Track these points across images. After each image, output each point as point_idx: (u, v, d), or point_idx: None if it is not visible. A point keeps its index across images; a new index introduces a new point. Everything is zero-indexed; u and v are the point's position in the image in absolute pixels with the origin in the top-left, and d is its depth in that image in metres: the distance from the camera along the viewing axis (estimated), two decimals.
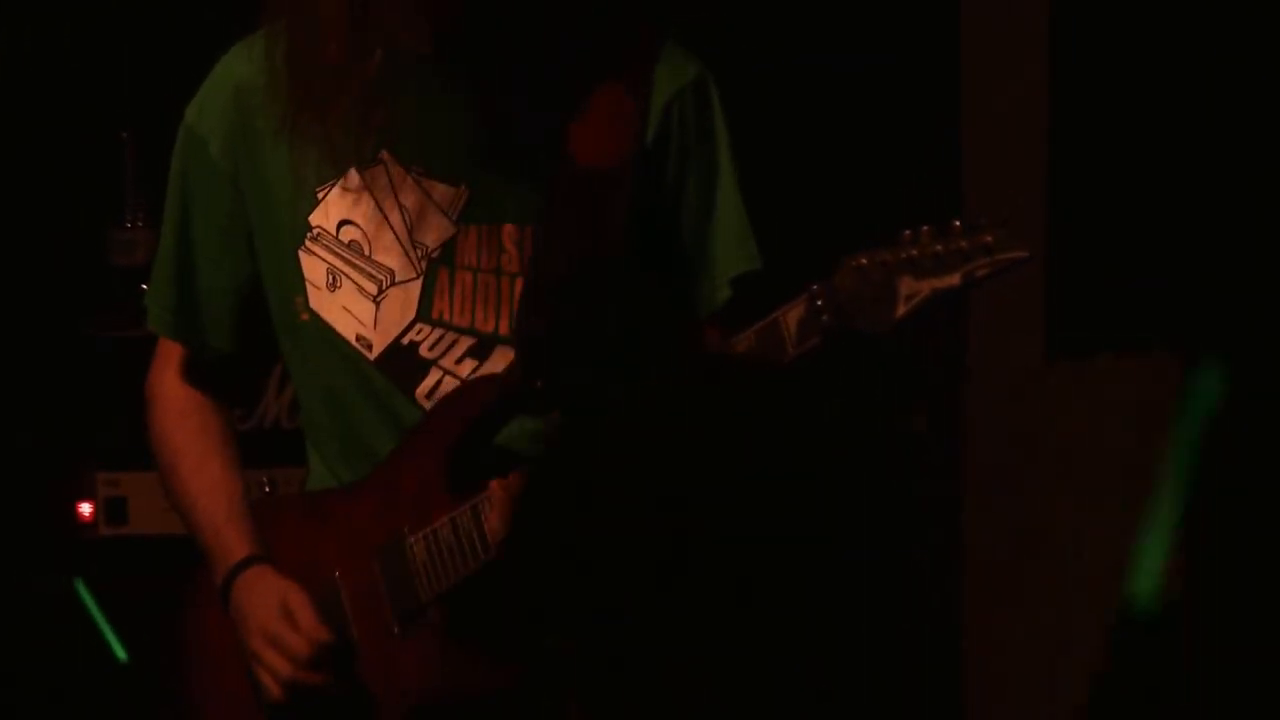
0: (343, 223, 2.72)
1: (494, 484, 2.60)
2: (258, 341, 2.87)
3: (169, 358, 2.89)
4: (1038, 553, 4.72)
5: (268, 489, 4.01)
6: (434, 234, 2.69)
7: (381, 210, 2.70)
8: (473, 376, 2.70)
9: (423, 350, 2.71)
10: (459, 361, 2.70)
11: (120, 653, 4.19)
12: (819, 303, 2.40)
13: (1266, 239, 4.14)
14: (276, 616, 2.71)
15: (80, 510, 4.21)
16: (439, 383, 2.71)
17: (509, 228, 2.68)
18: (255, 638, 2.72)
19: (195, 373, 2.88)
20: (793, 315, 2.42)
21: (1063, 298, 4.61)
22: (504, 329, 2.69)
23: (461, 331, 2.70)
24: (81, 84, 4.46)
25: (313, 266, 2.74)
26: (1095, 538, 4.58)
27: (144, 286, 2.93)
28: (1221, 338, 4.22)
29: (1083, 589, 4.61)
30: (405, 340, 2.71)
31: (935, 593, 4.87)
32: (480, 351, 2.70)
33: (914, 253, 2.34)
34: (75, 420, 4.22)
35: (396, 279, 2.71)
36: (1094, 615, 4.55)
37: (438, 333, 2.70)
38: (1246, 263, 4.17)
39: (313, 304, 2.75)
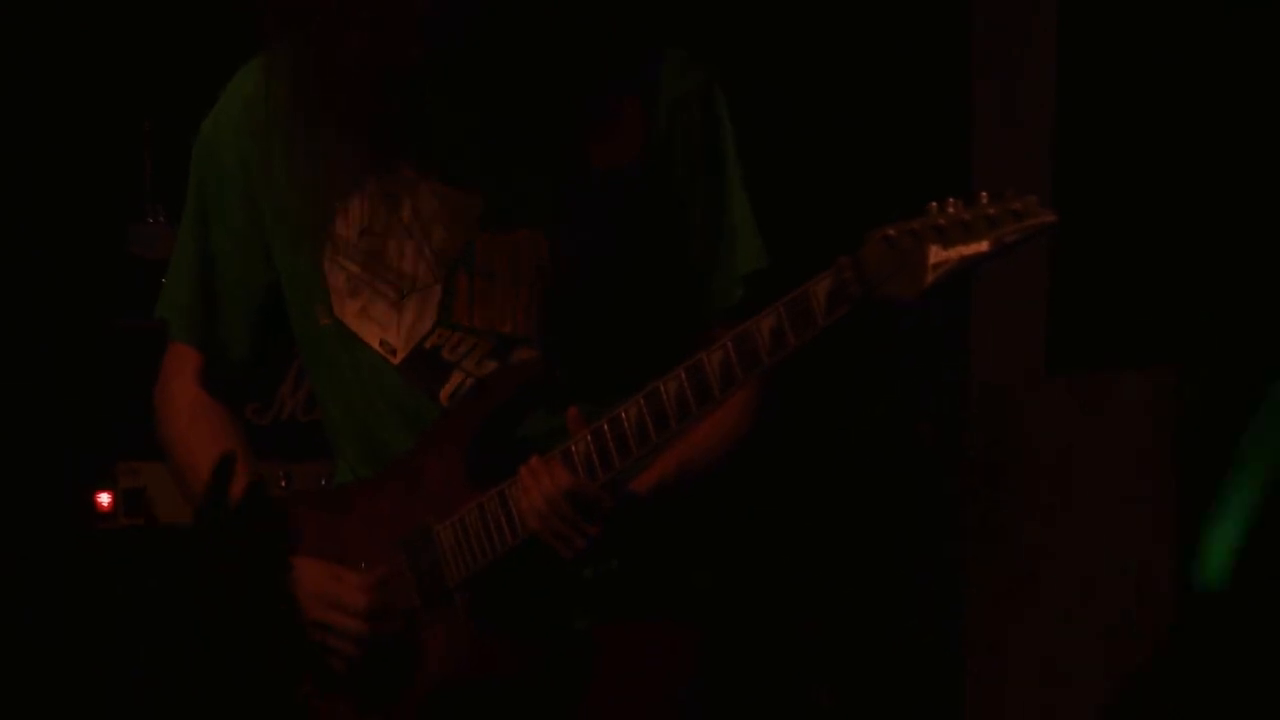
0: (362, 231, 2.75)
1: (521, 470, 2.62)
2: (272, 346, 2.91)
3: (182, 363, 2.91)
4: (1039, 565, 4.74)
5: (284, 483, 4.02)
6: (452, 240, 2.72)
7: (400, 218, 2.73)
8: (493, 370, 2.73)
9: (445, 354, 2.74)
10: (480, 363, 2.73)
11: None
12: (847, 274, 2.42)
13: (1267, 254, 4.16)
14: (325, 579, 2.72)
15: (99, 500, 4.23)
16: (461, 385, 2.74)
17: (524, 232, 2.71)
18: (313, 605, 2.72)
19: (209, 377, 2.90)
20: (821, 287, 2.44)
21: (1064, 313, 4.64)
22: (523, 331, 2.72)
23: (481, 334, 2.73)
24: (103, 80, 4.48)
25: (335, 275, 2.77)
26: (1096, 549, 4.60)
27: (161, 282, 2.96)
28: (1221, 353, 4.25)
29: (1084, 601, 4.62)
30: (428, 345, 2.74)
31: (937, 604, 4.89)
32: (501, 353, 2.73)
33: (941, 222, 2.36)
34: (95, 410, 4.22)
35: (417, 285, 2.74)
36: (1094, 627, 4.57)
37: (458, 336, 2.73)
38: (1247, 278, 4.19)
39: (335, 311, 2.78)
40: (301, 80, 2.71)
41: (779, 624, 4.57)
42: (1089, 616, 4.59)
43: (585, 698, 2.72)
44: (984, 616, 4.84)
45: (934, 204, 2.39)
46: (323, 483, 3.03)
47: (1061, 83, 4.56)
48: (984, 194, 2.35)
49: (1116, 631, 4.51)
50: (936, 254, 2.35)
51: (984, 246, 2.33)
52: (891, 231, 2.40)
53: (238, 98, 2.84)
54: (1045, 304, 4.66)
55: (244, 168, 2.81)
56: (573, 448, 2.59)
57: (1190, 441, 4.32)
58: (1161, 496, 4.40)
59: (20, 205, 4.37)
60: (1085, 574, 4.62)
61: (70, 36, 4.47)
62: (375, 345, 2.76)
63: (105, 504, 4.21)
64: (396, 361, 2.75)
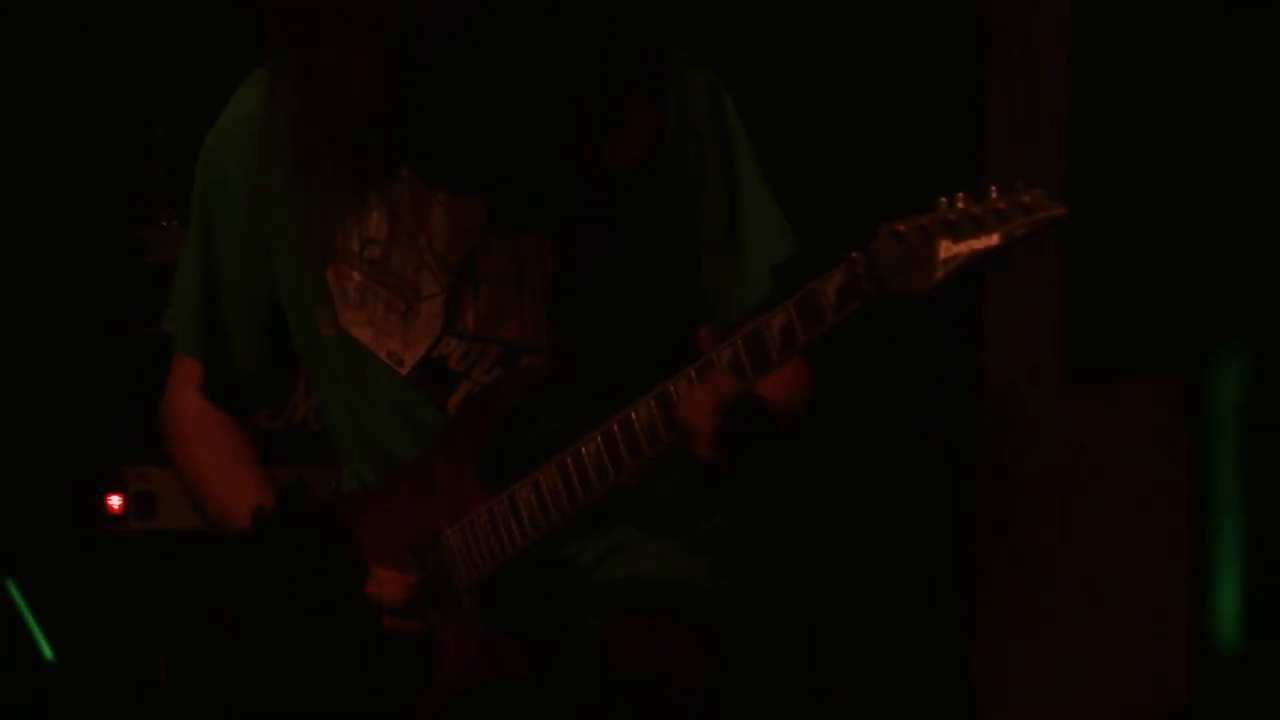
0: (367, 241, 2.75)
1: (534, 474, 2.63)
2: (279, 356, 2.92)
3: (188, 376, 2.93)
4: (1049, 568, 4.74)
5: None
6: (457, 248, 2.73)
7: (405, 227, 2.73)
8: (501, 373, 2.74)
9: (452, 363, 2.74)
10: (488, 371, 2.74)
11: (47, 651, 4.18)
12: (858, 270, 2.41)
13: None
14: None
15: (110, 504, 4.23)
16: (470, 394, 2.74)
17: (530, 239, 2.71)
18: None
19: (217, 389, 2.91)
20: (831, 284, 2.43)
21: (1079, 320, 4.64)
22: (530, 338, 2.72)
23: (488, 342, 2.73)
24: (116, 83, 4.49)
25: (340, 285, 2.77)
26: (1109, 557, 4.60)
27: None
28: (1233, 361, 4.25)
29: (1093, 606, 4.63)
30: (435, 354, 2.74)
31: (946, 606, 4.89)
32: (507, 361, 2.73)
33: (951, 216, 2.35)
34: (106, 414, 4.22)
35: (422, 294, 2.74)
36: (1104, 631, 4.58)
37: (465, 344, 2.74)
38: (1263, 285, 4.19)
39: (341, 321, 2.78)
40: (303, 85, 2.72)
41: (788, 624, 4.57)
42: (1098, 621, 4.59)
43: (596, 697, 2.72)
44: (993, 619, 4.84)
45: (943, 199, 2.38)
46: (331, 488, 3.03)
47: (1075, 82, 4.57)
48: (993, 188, 2.35)
49: (1125, 636, 4.51)
50: (947, 249, 2.35)
51: (994, 240, 2.33)
52: (901, 227, 2.39)
53: (241, 108, 2.85)
54: (1059, 309, 4.66)
55: (248, 178, 2.82)
56: (583, 448, 2.59)
57: (1200, 448, 4.33)
58: (1172, 503, 4.40)
59: (27, 208, 4.38)
60: (1095, 579, 4.62)
61: (82, 42, 4.49)
62: (382, 356, 2.76)
63: (116, 507, 4.22)
64: (404, 372, 2.76)
